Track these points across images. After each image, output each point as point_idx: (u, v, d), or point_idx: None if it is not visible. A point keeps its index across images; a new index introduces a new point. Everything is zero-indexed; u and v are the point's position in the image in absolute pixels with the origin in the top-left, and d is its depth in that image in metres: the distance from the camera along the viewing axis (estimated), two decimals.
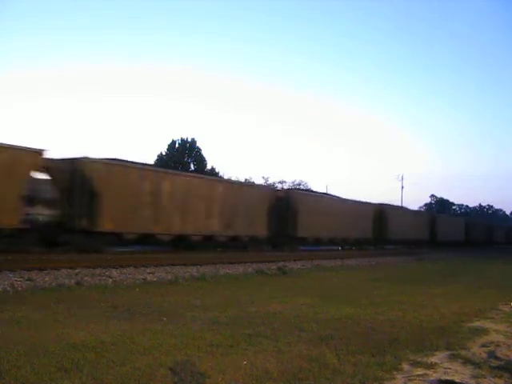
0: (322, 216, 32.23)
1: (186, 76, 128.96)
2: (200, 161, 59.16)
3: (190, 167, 57.32)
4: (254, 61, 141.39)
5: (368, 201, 39.95)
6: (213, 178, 32.62)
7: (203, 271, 15.66)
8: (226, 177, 54.13)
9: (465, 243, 57.34)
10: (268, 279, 15.07)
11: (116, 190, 20.02)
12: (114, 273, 14.04)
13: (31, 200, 18.27)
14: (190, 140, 59.24)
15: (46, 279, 11.89)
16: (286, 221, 30.03)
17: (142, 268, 15.52)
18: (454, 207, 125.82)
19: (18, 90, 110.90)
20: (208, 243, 24.77)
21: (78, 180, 19.37)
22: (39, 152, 18.09)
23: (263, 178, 67.77)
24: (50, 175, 19.02)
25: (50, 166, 18.66)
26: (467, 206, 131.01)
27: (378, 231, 39.72)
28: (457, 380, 4.92)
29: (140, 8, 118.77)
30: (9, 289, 10.29)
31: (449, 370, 5.25)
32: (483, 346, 6.50)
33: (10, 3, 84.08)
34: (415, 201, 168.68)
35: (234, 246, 26.27)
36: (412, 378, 4.93)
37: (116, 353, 5.38)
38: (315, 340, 6.41)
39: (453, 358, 5.80)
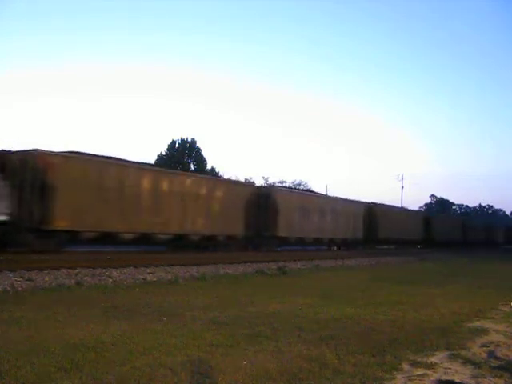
0: (394, 223, 43.29)
1: (186, 76, 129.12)
2: (200, 161, 59.17)
3: (189, 167, 57.31)
4: (253, 61, 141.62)
5: (417, 210, 48.42)
6: (332, 197, 42.27)
7: (203, 271, 15.65)
8: (225, 176, 54.23)
9: (487, 243, 66.55)
10: (268, 279, 15.07)
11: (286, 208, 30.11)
12: (114, 273, 14.04)
13: None
14: (190, 140, 59.25)
15: (46, 279, 11.89)
16: (372, 226, 41.11)
17: (142, 268, 15.52)
18: (454, 207, 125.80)
19: (18, 90, 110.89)
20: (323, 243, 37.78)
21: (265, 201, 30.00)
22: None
23: (263, 177, 67.83)
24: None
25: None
26: (467, 206, 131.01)
27: (426, 234, 50.04)
28: (457, 380, 4.92)
29: (140, 8, 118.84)
30: (9, 289, 10.29)
31: (449, 370, 5.25)
32: (483, 345, 6.50)
33: (10, 3, 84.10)
34: (415, 201, 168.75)
35: (348, 244, 38.55)
36: (412, 378, 4.93)
37: (116, 353, 5.38)
38: (315, 340, 6.40)
39: (453, 358, 5.80)
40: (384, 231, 41.66)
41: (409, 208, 54.58)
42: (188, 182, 25.01)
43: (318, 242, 34.86)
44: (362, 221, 39.57)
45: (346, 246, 38.08)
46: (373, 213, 40.75)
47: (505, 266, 26.04)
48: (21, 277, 11.91)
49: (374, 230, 40.80)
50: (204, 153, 59.93)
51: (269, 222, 28.55)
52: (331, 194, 51.62)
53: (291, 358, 5.44)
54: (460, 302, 10.79)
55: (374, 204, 42.98)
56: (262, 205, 28.39)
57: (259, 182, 58.91)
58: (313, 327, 7.28)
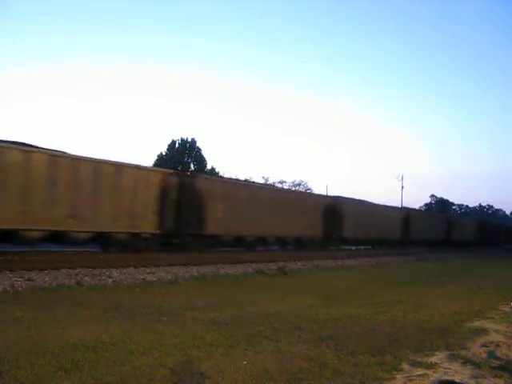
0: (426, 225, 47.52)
1: (186, 76, 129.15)
2: (200, 161, 59.18)
3: (190, 167, 57.34)
4: (253, 61, 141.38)
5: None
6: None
7: (203, 271, 15.65)
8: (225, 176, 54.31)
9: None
10: (268, 279, 15.07)
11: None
12: (114, 273, 14.03)
13: None
14: (190, 140, 59.28)
15: (46, 279, 11.89)
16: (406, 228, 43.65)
17: (142, 268, 15.51)
18: (453, 207, 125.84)
19: (18, 90, 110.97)
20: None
21: None
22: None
23: (263, 177, 67.86)
24: None
25: None
26: (467, 206, 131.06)
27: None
28: (457, 380, 4.93)
29: (140, 8, 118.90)
30: (9, 289, 10.29)
31: (449, 370, 5.25)
32: (483, 345, 6.50)
33: (11, 4, 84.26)
34: (415, 201, 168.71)
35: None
36: (412, 378, 4.93)
37: (116, 353, 5.38)
38: (315, 340, 6.41)
39: (453, 358, 5.81)
40: (418, 233, 42.61)
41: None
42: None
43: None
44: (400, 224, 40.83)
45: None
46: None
47: (505, 267, 26.03)
48: (21, 277, 11.90)
49: (409, 231, 39.35)
50: (204, 153, 60.05)
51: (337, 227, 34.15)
52: (331, 193, 51.17)
53: (291, 358, 5.44)
54: (460, 302, 10.79)
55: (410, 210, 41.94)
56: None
57: (260, 181, 59.18)
58: (313, 327, 7.28)
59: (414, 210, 59.91)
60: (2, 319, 7.07)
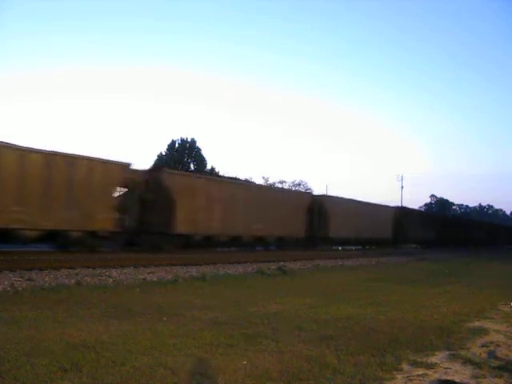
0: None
1: (186, 76, 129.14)
2: (200, 161, 59.25)
3: (189, 167, 57.35)
4: (254, 61, 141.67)
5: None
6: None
7: (203, 271, 15.65)
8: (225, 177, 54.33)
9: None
10: (268, 279, 15.06)
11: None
12: (114, 273, 14.04)
13: None
14: (190, 140, 59.32)
15: (46, 279, 11.90)
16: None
17: (142, 268, 15.52)
18: (454, 207, 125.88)
19: (19, 91, 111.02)
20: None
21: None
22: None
23: (263, 178, 67.91)
24: None
25: None
26: (467, 206, 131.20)
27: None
28: (457, 380, 4.92)
29: (141, 10, 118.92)
30: (9, 289, 10.29)
31: (449, 370, 5.25)
32: (483, 346, 6.49)
33: (12, 5, 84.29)
34: (415, 201, 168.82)
35: None
36: (412, 377, 4.93)
37: (116, 353, 5.38)
38: (315, 340, 6.40)
39: (453, 358, 5.80)
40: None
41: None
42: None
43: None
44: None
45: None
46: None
47: (506, 267, 26.02)
48: (21, 277, 11.91)
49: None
50: (204, 153, 60.08)
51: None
52: (331, 193, 51.28)
53: (291, 358, 5.43)
54: (460, 301, 10.79)
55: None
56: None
57: (259, 182, 59.25)
58: (313, 327, 7.28)
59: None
60: (2, 319, 7.07)
